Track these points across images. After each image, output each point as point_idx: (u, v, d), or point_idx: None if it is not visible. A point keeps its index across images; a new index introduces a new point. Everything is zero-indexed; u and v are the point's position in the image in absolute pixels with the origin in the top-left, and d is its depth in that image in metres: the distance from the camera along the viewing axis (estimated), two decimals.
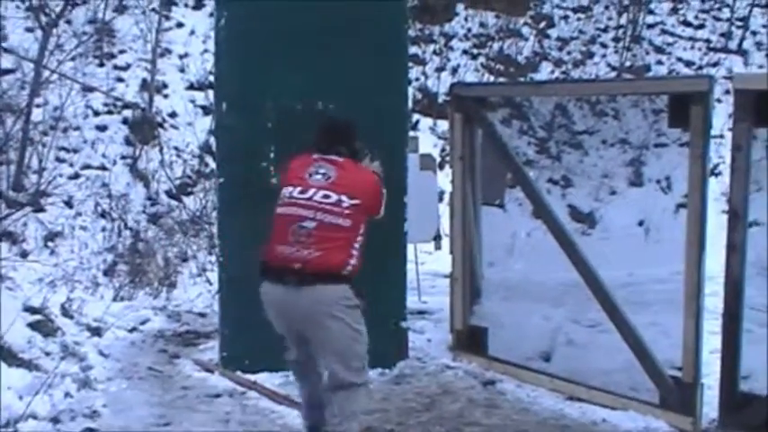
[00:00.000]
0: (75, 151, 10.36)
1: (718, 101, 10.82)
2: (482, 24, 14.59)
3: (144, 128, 10.88)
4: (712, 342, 4.90)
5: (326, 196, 3.99)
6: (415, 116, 12.28)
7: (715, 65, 14.47)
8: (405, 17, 5.92)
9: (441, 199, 8.92)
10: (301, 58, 5.43)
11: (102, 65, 11.46)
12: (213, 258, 8.37)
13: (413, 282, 7.36)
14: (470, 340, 6.01)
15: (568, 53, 14.67)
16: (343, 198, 3.99)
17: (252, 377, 5.55)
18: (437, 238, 7.72)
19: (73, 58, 10.79)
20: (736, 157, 4.46)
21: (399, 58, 5.77)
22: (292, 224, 3.96)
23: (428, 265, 8.63)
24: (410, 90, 12.49)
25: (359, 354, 4.06)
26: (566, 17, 15.35)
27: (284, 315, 4.04)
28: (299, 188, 4.05)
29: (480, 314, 6.16)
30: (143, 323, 6.91)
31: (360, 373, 4.07)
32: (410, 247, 6.55)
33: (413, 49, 13.27)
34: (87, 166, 10.29)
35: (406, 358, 5.89)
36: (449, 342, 6.21)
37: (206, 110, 11.25)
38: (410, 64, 12.87)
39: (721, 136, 9.77)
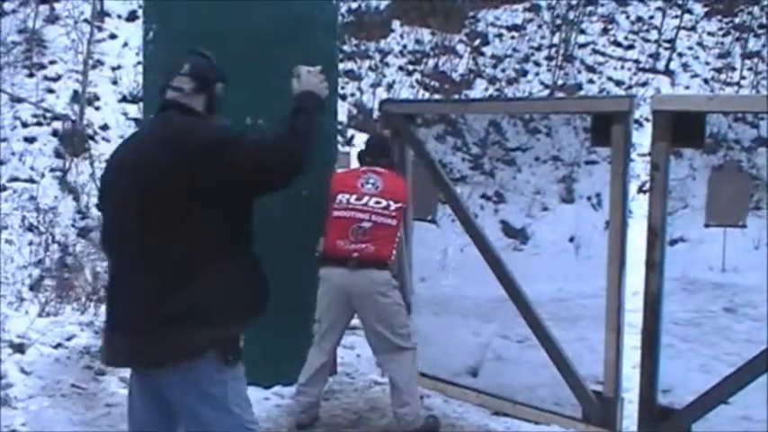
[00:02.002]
0: (2, 163, 10.12)
1: (647, 120, 11.06)
2: (417, 41, 14.70)
3: (74, 140, 10.66)
4: (636, 357, 4.99)
5: (378, 202, 4.90)
6: (350, 132, 12.30)
7: (644, 84, 14.81)
8: (335, 35, 5.95)
9: None
10: (231, 74, 5.39)
11: (31, 75, 11.24)
12: None
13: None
14: None
15: (502, 71, 14.85)
16: (390, 202, 4.92)
17: None
18: None
19: (1, 68, 10.56)
20: (654, 177, 4.57)
21: (329, 77, 5.76)
22: (351, 225, 4.87)
23: None
24: (345, 106, 12.52)
25: (403, 323, 5.02)
26: (500, 35, 15.56)
27: (343, 292, 4.86)
28: (354, 195, 4.94)
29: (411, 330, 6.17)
30: (69, 339, 6.76)
31: (406, 338, 4.99)
32: None
33: (349, 65, 13.33)
34: (14, 179, 10.04)
35: (334, 374, 5.88)
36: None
37: (139, 123, 11.09)
38: (346, 80, 13.02)
39: (650, 154, 9.98)
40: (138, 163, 2.89)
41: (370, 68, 13.93)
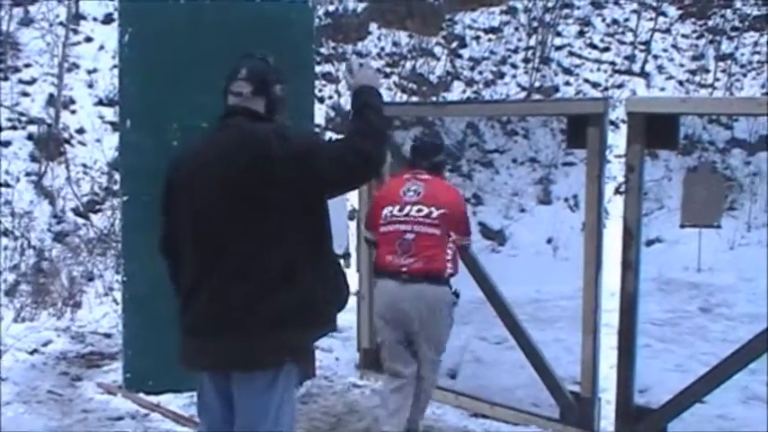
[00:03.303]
0: None
1: (623, 121, 11.14)
2: (395, 43, 14.72)
3: (50, 144, 10.60)
4: (613, 357, 5.01)
5: (420, 210, 4.57)
6: (328, 134, 12.29)
7: (620, 87, 14.92)
8: (311, 38, 5.95)
9: (352, 217, 8.94)
10: (207, 77, 5.37)
11: (5, 79, 11.16)
12: (120, 277, 8.20)
13: None
14: (377, 359, 6.01)
15: (480, 73, 14.91)
16: (432, 210, 4.56)
17: (156, 398, 5.46)
18: (347, 255, 7.72)
19: None
20: (629, 178, 4.60)
21: (305, 79, 5.79)
22: (397, 239, 4.56)
23: None
24: (323, 108, 12.52)
25: (444, 340, 4.73)
26: (477, 38, 15.61)
27: (394, 307, 4.58)
28: (397, 207, 4.63)
29: None
30: (45, 345, 6.72)
31: (440, 353, 4.76)
32: None
33: (326, 68, 13.33)
34: None
35: (313, 377, 5.84)
36: (356, 361, 6.22)
37: (115, 126, 10.99)
38: (323, 82, 13.02)
39: (626, 156, 10.06)
40: (217, 172, 2.90)
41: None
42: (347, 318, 6.95)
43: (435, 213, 4.52)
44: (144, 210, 5.47)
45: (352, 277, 6.45)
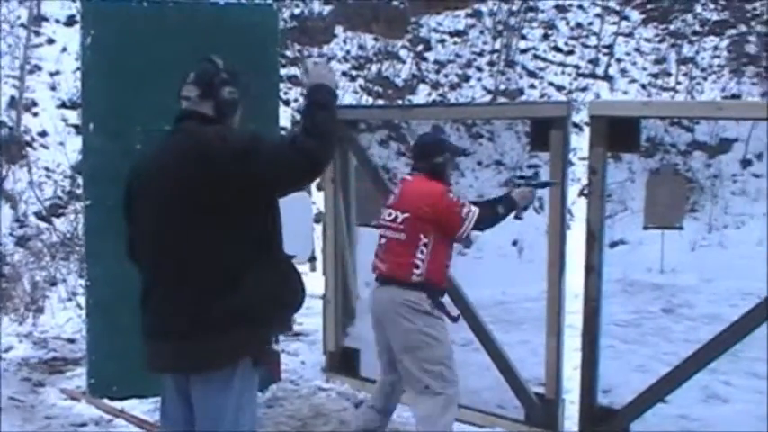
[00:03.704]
0: None
1: (587, 124, 11.25)
2: (361, 46, 14.74)
3: (11, 147, 10.47)
4: (577, 358, 5.04)
5: (390, 214, 4.38)
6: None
7: (584, 89, 15.06)
8: (276, 41, 5.94)
9: (318, 220, 8.94)
10: (171, 80, 5.35)
11: None
12: (84, 282, 8.12)
13: None
14: (343, 361, 6.03)
15: (445, 76, 14.97)
16: (398, 214, 4.31)
17: (120, 404, 5.42)
18: (312, 259, 7.73)
19: None
20: (592, 181, 4.64)
21: (270, 82, 5.78)
22: (378, 244, 4.44)
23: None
24: (289, 111, 12.49)
25: (434, 358, 4.23)
26: (442, 41, 15.68)
27: (371, 310, 4.46)
28: (386, 211, 4.45)
29: (354, 335, 6.19)
30: (6, 351, 6.65)
31: (437, 378, 4.21)
32: None
33: (291, 71, 13.30)
34: None
35: (278, 381, 5.86)
36: (322, 364, 6.21)
37: (78, 129, 10.90)
38: (289, 85, 12.99)
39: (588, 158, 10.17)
40: (167, 176, 2.92)
41: None
42: (313, 321, 6.98)
43: (400, 218, 4.28)
44: (107, 214, 5.42)
45: (318, 281, 6.48)
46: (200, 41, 5.29)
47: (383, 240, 4.38)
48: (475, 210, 4.26)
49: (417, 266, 4.21)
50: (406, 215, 4.26)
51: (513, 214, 4.45)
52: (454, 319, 4.45)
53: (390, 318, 4.28)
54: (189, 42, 5.25)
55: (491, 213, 4.38)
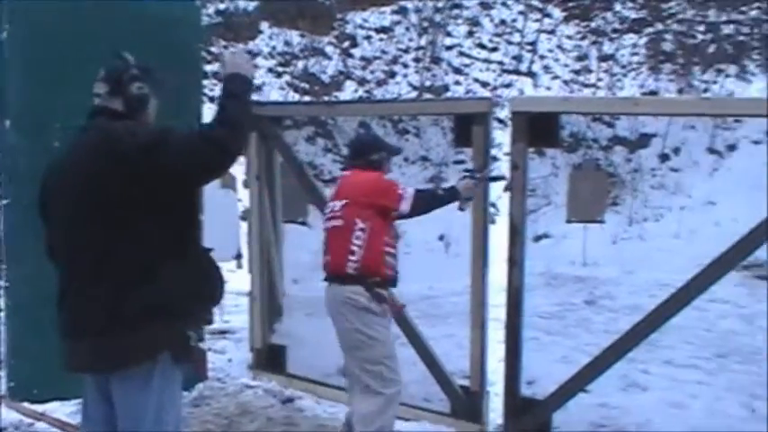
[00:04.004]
0: None
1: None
2: (287, 43, 14.69)
3: None
4: (502, 351, 5.09)
5: (330, 207, 4.38)
6: None
7: (508, 86, 15.28)
8: (199, 37, 5.89)
9: (244, 217, 8.87)
10: (90, 76, 5.26)
11: None
12: (2, 283, 7.90)
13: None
14: (270, 359, 6.02)
15: (372, 72, 15.01)
16: (336, 203, 4.33)
17: (41, 407, 5.30)
18: (239, 256, 7.67)
19: None
20: (514, 176, 4.70)
21: (194, 78, 5.73)
22: (323, 239, 4.38)
23: (232, 283, 8.48)
24: (213, 107, 12.37)
25: (374, 358, 4.19)
26: (368, 37, 15.72)
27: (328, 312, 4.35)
28: (327, 207, 4.45)
29: (281, 332, 6.18)
30: None
31: (377, 378, 4.18)
32: None
33: (216, 67, 13.16)
34: None
35: (205, 380, 5.82)
36: (249, 361, 6.19)
37: None
38: (214, 81, 12.85)
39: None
40: (79, 173, 2.89)
41: None
42: (240, 319, 6.95)
43: (338, 206, 4.30)
44: (25, 213, 5.29)
45: (244, 278, 6.44)
46: (119, 38, 5.21)
47: (325, 234, 4.36)
48: (412, 189, 4.32)
49: (353, 253, 4.17)
50: (344, 202, 4.29)
51: (456, 204, 4.51)
52: (400, 309, 4.50)
53: (334, 317, 4.29)
54: (108, 39, 5.15)
55: (430, 196, 4.46)
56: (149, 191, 2.80)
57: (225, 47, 13.76)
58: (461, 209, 4.58)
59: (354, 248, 4.18)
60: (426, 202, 4.38)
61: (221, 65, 3.10)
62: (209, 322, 3.26)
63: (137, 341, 2.83)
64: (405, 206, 4.25)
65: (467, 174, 4.66)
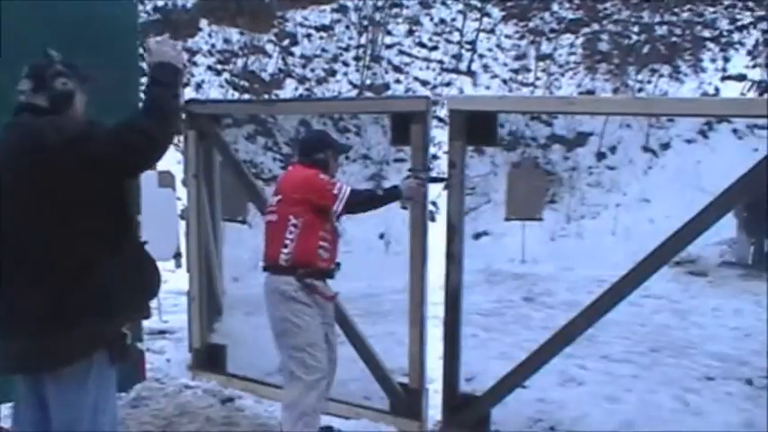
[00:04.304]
0: None
1: None
2: (226, 40, 14.58)
3: None
4: (442, 348, 5.14)
5: (270, 202, 4.56)
6: None
7: (448, 84, 15.38)
8: (135, 34, 5.81)
9: (184, 216, 8.79)
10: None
11: None
12: None
13: (154, 301, 7.22)
14: (209, 358, 5.97)
15: (312, 70, 14.98)
16: (273, 199, 4.51)
17: None
18: (177, 255, 7.61)
19: None
20: (451, 174, 4.74)
21: (130, 75, 5.65)
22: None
23: (171, 283, 8.44)
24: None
25: (295, 345, 4.34)
26: (309, 35, 15.68)
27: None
28: (269, 200, 4.62)
29: (221, 331, 6.14)
30: None
31: (299, 365, 4.32)
32: None
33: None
34: None
35: (143, 380, 5.75)
36: (188, 361, 6.13)
37: None
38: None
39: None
40: (8, 171, 2.85)
41: None
42: (179, 318, 6.89)
43: (274, 201, 4.49)
44: None
45: (184, 277, 6.38)
46: (53, 35, 5.12)
47: (265, 227, 4.53)
48: (347, 187, 4.41)
49: (285, 246, 4.33)
50: (279, 197, 4.46)
51: (399, 203, 4.66)
52: (330, 299, 4.54)
53: (267, 305, 4.43)
54: (41, 35, 5.07)
55: (367, 197, 4.61)
56: (81, 186, 2.77)
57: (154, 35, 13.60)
58: (404, 207, 4.67)
59: (287, 242, 4.35)
60: (362, 202, 4.53)
61: (147, 53, 3.07)
62: (147, 316, 3.24)
63: (71, 340, 2.80)
64: (338, 205, 4.38)
65: (410, 173, 4.71)
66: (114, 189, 2.91)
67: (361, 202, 4.51)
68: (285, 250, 4.33)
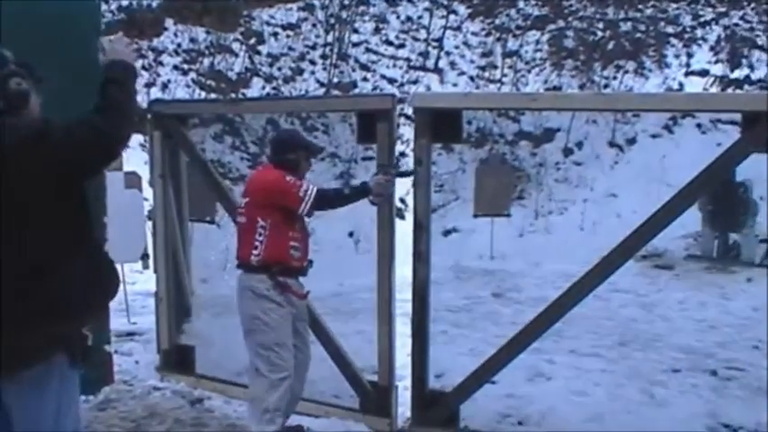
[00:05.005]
0: None
1: None
2: (192, 40, 14.50)
3: None
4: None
5: (241, 202, 4.60)
6: None
7: (415, 82, 15.41)
8: (97, 34, 5.76)
9: (150, 217, 8.75)
10: None
11: None
12: None
13: (122, 303, 7.18)
14: (178, 359, 5.94)
15: (279, 69, 14.94)
16: (242, 200, 4.59)
17: None
18: (145, 256, 7.56)
19: None
20: (418, 172, 4.74)
21: (93, 75, 5.60)
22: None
23: (139, 284, 8.43)
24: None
25: (263, 342, 4.40)
26: (275, 34, 15.64)
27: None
28: (240, 200, 4.66)
29: (190, 332, 6.11)
30: None
31: (265, 363, 4.39)
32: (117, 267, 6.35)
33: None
34: None
35: (111, 383, 5.71)
36: (156, 363, 6.10)
37: None
38: None
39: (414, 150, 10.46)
40: None
41: (143, 68, 13.58)
42: (150, 320, 6.84)
43: (243, 202, 4.56)
44: None
45: (152, 279, 6.34)
46: (15, 36, 5.07)
47: (237, 227, 4.63)
48: (313, 188, 4.44)
49: (256, 248, 4.42)
50: (247, 200, 4.53)
51: (368, 199, 4.65)
52: (303, 297, 4.60)
53: (238, 302, 4.50)
54: (4, 37, 5.02)
55: (334, 196, 4.65)
56: (37, 186, 2.73)
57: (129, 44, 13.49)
58: (374, 203, 4.70)
59: (257, 244, 4.43)
60: (329, 202, 4.60)
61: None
62: (106, 317, 3.20)
63: (29, 343, 2.76)
64: (303, 207, 4.43)
65: (379, 169, 4.74)
66: (72, 189, 2.88)
67: (327, 202, 4.57)
68: (255, 252, 4.42)
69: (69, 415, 2.90)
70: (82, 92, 5.38)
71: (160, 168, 5.93)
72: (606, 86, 15.05)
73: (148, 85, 13.22)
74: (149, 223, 8.29)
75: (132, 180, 7.28)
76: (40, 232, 2.77)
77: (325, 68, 15.23)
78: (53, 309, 2.77)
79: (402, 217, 8.70)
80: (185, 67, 14.17)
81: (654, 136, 14.17)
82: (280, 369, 4.40)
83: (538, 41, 16.57)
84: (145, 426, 5.11)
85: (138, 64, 13.29)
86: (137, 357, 6.38)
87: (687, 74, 15.58)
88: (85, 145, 2.72)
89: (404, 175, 4.90)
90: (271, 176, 4.51)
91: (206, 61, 14.33)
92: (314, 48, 15.68)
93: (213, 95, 13.44)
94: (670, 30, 16.51)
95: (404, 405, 5.10)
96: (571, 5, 17.03)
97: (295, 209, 4.42)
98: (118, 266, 3.10)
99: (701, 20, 16.69)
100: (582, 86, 15.05)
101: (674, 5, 16.89)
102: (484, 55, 16.58)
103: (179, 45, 14.45)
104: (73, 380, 2.91)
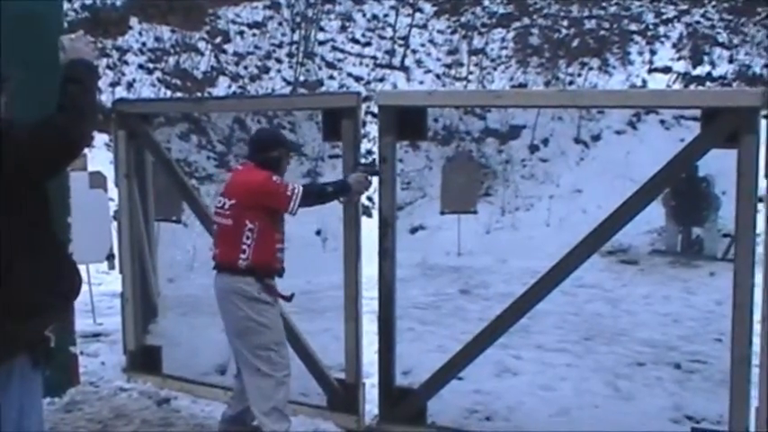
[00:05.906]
0: None
1: None
2: (157, 38, 14.40)
3: None
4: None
5: (219, 201, 4.52)
6: None
7: (381, 80, 15.42)
8: (61, 33, 5.71)
9: (116, 217, 8.68)
10: None
11: None
12: None
13: (87, 304, 7.13)
14: (145, 360, 5.92)
15: (245, 68, 14.90)
16: (226, 201, 4.47)
17: None
18: (111, 257, 7.50)
19: None
20: (383, 169, 4.76)
21: (57, 74, 5.55)
22: (214, 230, 4.61)
23: (105, 285, 8.37)
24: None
25: (264, 344, 4.42)
26: (241, 33, 15.58)
27: (216, 298, 4.51)
28: (218, 199, 4.58)
29: (156, 332, 6.09)
30: None
31: (266, 362, 4.41)
32: (82, 268, 6.31)
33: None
34: None
35: (77, 384, 5.67)
36: (123, 364, 6.06)
37: None
38: None
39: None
40: None
41: (108, 67, 13.47)
42: (116, 321, 6.79)
43: (227, 204, 4.45)
44: None
45: (118, 279, 6.31)
46: None
47: (216, 227, 4.56)
48: (299, 186, 4.45)
49: (244, 251, 4.37)
50: (233, 202, 4.45)
51: (348, 197, 4.70)
52: (288, 299, 4.64)
53: (224, 305, 4.46)
54: None
55: (318, 193, 4.64)
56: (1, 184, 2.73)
57: (93, 42, 13.36)
58: (340, 201, 4.71)
59: (245, 247, 4.38)
60: (314, 199, 4.56)
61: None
62: (66, 318, 3.18)
63: None
64: (292, 206, 4.42)
65: (359, 167, 4.75)
66: (32, 189, 2.86)
67: (313, 200, 4.54)
68: (243, 255, 4.37)
69: (33, 417, 2.88)
70: (45, 91, 5.37)
71: (125, 168, 5.90)
72: (571, 83, 15.17)
73: (113, 85, 13.12)
74: (115, 223, 8.25)
75: (97, 180, 7.21)
76: (1, 233, 2.75)
77: (291, 67, 15.20)
78: (10, 310, 2.74)
79: (369, 215, 8.71)
80: (150, 66, 14.07)
81: (618, 132, 14.31)
82: (282, 367, 4.47)
83: (503, 39, 16.66)
84: (111, 427, 5.09)
85: (103, 63, 13.28)
86: (103, 358, 6.34)
87: (650, 71, 15.74)
88: (45, 144, 2.71)
89: (376, 173, 4.91)
90: (257, 177, 4.45)
91: (171, 60, 14.23)
92: (280, 46, 15.64)
93: (179, 94, 13.37)
94: (633, 27, 16.68)
95: (371, 402, 5.13)
96: (536, 3, 17.15)
97: (283, 209, 4.42)
98: (83, 267, 3.08)
99: (664, 17, 16.88)
100: (547, 83, 15.16)
101: (638, 3, 17.06)
102: (450, 53, 16.64)
103: (144, 44, 14.34)
104: (36, 381, 2.89)
